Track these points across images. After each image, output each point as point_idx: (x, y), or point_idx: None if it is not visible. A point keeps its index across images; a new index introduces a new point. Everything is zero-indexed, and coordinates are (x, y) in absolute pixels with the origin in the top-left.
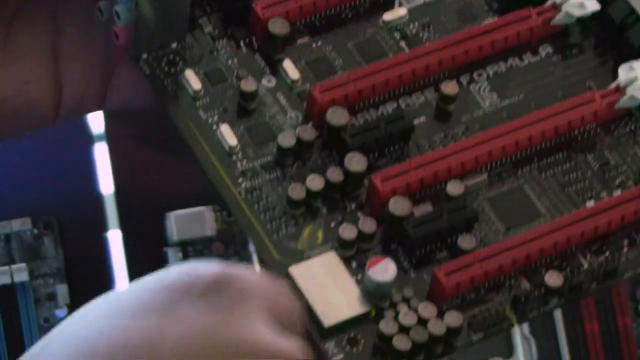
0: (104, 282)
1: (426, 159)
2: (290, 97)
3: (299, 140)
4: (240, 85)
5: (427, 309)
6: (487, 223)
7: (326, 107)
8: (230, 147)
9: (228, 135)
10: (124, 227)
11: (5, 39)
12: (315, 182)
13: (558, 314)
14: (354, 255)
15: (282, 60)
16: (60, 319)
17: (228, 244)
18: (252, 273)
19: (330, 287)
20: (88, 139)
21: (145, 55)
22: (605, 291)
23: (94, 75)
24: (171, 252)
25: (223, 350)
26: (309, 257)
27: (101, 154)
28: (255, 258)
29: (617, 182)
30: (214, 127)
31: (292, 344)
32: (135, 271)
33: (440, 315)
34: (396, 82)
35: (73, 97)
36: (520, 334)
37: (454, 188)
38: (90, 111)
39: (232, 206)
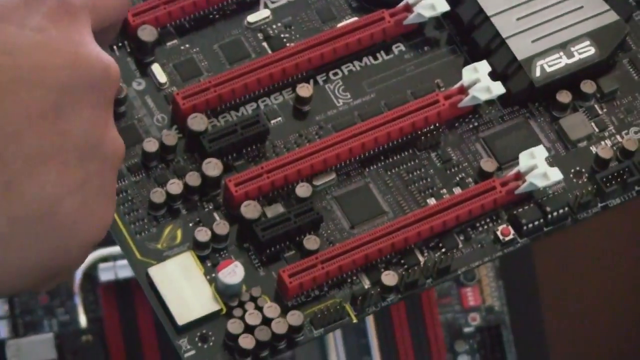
0: None
1: (277, 163)
2: (158, 99)
3: (162, 145)
4: None
5: (271, 309)
6: (333, 221)
7: (188, 113)
8: None
9: None
10: None
11: None
12: (174, 187)
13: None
14: (209, 255)
15: (151, 63)
16: None
17: (54, 295)
18: None
19: (185, 287)
20: None
21: None
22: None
23: None
24: None
25: (59, 63)
26: (168, 257)
27: None
28: (80, 309)
29: (457, 178)
30: None
31: (110, 61)
32: None
33: (284, 314)
34: (255, 86)
35: None
36: None
37: (303, 191)
38: None
39: None
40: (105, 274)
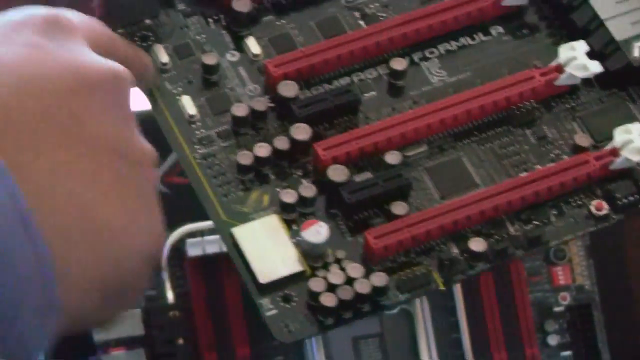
0: None
1: (367, 131)
2: (251, 70)
3: (252, 111)
4: (203, 59)
5: (355, 270)
6: (424, 191)
7: (279, 80)
8: (190, 116)
9: (188, 105)
10: None
11: None
12: (262, 150)
13: (467, 344)
14: (295, 219)
15: (246, 36)
16: None
17: None
18: (76, 13)
19: (270, 248)
20: None
21: (120, 30)
22: (535, 254)
23: None
24: None
25: (61, 69)
26: (253, 219)
27: None
28: (168, 285)
29: (552, 155)
30: (177, 97)
31: (117, 65)
32: None
33: (367, 275)
34: (348, 58)
35: None
36: None
37: (392, 158)
38: None
39: (187, 170)
40: (193, 249)
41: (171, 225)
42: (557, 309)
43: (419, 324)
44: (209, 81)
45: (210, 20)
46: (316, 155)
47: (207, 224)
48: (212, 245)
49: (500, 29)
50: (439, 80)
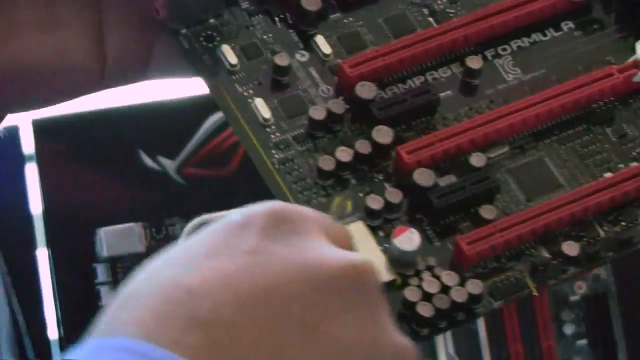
0: (31, 300)
1: (450, 132)
2: (322, 71)
3: (329, 113)
4: (274, 59)
5: (449, 277)
6: (508, 194)
7: (355, 81)
8: (265, 119)
9: (262, 108)
10: (52, 244)
11: (48, 7)
12: (344, 154)
13: (483, 335)
14: (381, 225)
15: (314, 35)
16: None
17: None
18: (302, 207)
19: None
20: (19, 159)
21: (184, 30)
22: (622, 259)
23: (137, 46)
24: (100, 268)
25: (287, 272)
26: None
27: (32, 173)
28: None
29: (634, 153)
30: (249, 100)
31: (358, 256)
32: (63, 289)
33: (462, 283)
34: (423, 57)
35: (116, 66)
36: (445, 354)
37: (477, 160)
38: (135, 80)
39: (265, 176)
40: None
41: (187, 217)
42: (573, 298)
43: None
44: (280, 83)
45: (276, 19)
46: (400, 159)
47: (223, 214)
48: None
49: (571, 24)
50: (514, 78)
